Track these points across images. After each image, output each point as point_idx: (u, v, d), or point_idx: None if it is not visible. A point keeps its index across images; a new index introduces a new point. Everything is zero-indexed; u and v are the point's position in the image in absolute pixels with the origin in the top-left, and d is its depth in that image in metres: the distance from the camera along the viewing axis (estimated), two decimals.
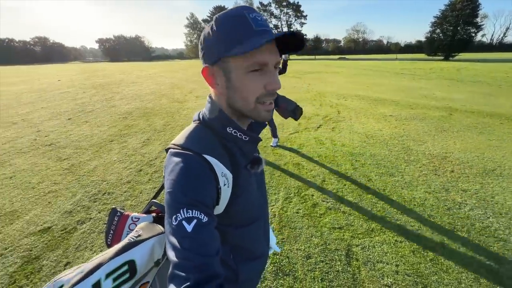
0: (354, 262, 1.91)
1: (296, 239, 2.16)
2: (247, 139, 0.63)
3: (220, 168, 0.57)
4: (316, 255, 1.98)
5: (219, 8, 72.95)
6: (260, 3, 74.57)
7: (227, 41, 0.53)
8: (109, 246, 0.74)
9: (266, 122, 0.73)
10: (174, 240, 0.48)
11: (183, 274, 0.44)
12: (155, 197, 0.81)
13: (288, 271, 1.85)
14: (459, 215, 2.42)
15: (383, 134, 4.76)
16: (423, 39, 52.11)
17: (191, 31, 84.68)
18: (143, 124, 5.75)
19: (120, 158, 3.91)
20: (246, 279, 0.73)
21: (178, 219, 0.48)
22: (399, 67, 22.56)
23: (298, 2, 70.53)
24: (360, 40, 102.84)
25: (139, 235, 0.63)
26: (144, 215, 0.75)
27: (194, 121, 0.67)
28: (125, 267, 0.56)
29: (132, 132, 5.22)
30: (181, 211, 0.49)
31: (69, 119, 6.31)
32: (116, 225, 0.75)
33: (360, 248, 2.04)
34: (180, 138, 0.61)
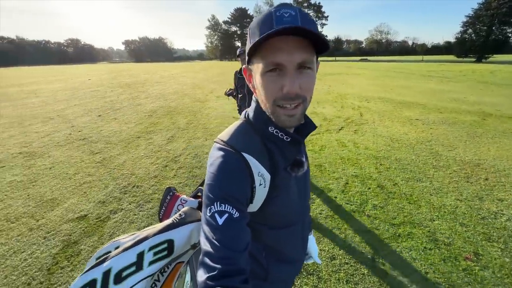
0: (381, 267, 1.87)
1: (319, 240, 2.15)
2: (289, 139, 0.61)
3: (257, 168, 0.58)
4: (340, 257, 1.96)
5: (239, 10, 73.75)
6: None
7: (250, 42, 0.54)
8: (160, 220, 0.81)
9: (316, 125, 0.70)
10: (206, 229, 0.50)
11: (211, 263, 0.46)
12: (202, 184, 0.87)
13: (312, 270, 1.86)
14: (494, 225, 2.28)
15: (409, 138, 4.58)
16: (452, 40, 49.34)
17: (212, 32, 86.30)
18: (167, 122, 5.98)
19: (147, 154, 4.10)
20: (277, 279, 0.74)
21: (212, 210, 0.51)
22: (426, 69, 21.53)
23: (319, 3, 69.67)
24: (383, 41, 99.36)
25: (182, 218, 0.67)
26: (192, 199, 0.81)
27: (241, 118, 0.70)
28: (165, 245, 0.61)
29: (157, 129, 5.44)
30: (215, 203, 0.51)
31: (99, 115, 6.71)
32: (168, 202, 0.82)
33: (386, 253, 1.99)
34: (225, 133, 0.64)
